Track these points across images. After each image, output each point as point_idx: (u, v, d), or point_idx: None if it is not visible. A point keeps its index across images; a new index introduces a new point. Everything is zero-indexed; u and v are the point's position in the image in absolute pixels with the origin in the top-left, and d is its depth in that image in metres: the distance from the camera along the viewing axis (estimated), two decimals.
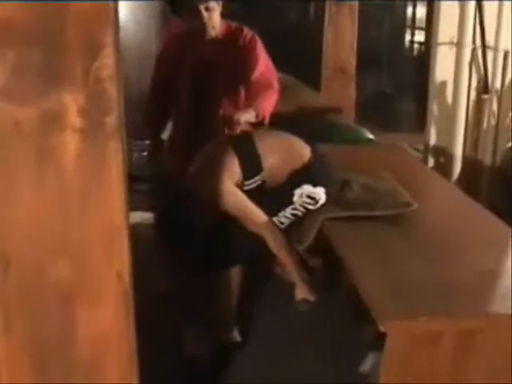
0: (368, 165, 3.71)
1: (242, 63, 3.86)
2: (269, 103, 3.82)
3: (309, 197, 3.00)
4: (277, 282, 3.64)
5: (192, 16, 3.71)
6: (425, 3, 6.93)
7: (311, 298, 2.93)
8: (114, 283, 1.23)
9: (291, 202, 3.03)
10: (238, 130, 3.60)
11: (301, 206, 3.03)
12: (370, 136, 5.62)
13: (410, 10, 9.00)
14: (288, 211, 3.03)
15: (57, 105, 1.12)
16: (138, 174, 4.33)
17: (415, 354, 2.12)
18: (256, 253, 3.17)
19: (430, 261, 2.55)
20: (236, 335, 3.34)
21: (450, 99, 5.46)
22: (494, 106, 5.48)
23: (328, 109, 5.13)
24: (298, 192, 3.01)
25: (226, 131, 3.72)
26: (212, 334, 3.34)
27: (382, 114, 5.52)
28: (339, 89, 5.57)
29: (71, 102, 1.12)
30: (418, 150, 6.10)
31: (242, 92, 3.96)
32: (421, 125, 6.03)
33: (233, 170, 3.00)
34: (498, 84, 5.40)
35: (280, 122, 3.77)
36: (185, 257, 3.20)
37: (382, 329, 2.09)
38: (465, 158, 5.50)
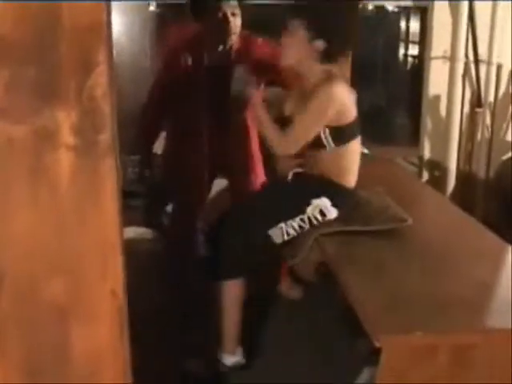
0: (362, 179, 3.71)
1: (265, 66, 3.82)
2: None
3: (321, 212, 2.99)
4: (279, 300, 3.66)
5: (216, 20, 3.66)
6: (418, 17, 6.94)
7: None
8: (109, 300, 1.23)
9: (303, 212, 3.00)
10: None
11: (309, 218, 3.00)
12: (364, 150, 5.63)
13: (403, 24, 9.02)
14: (297, 221, 3.00)
15: (51, 122, 1.12)
16: (132, 190, 4.34)
17: (411, 368, 2.12)
18: (259, 267, 3.15)
19: (425, 275, 2.55)
20: (240, 357, 3.23)
21: (443, 113, 5.47)
22: (488, 120, 5.49)
23: None
24: (314, 202, 3.00)
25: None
26: (213, 357, 3.26)
27: (375, 127, 5.51)
28: None
29: (65, 120, 1.12)
30: (412, 163, 6.11)
31: None
32: (415, 138, 6.03)
33: None
34: (491, 97, 5.42)
35: None
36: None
37: (377, 343, 2.09)
38: (459, 171, 5.50)
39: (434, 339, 2.16)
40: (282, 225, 3.00)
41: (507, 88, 5.50)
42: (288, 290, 3.83)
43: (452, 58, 5.26)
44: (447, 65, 5.32)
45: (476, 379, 2.17)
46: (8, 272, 1.18)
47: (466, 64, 5.37)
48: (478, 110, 5.48)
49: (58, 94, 1.11)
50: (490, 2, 5.18)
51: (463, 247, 2.89)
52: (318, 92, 2.90)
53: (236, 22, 3.68)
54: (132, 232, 4.10)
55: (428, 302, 2.33)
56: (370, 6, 6.00)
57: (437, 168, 5.53)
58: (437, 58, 5.40)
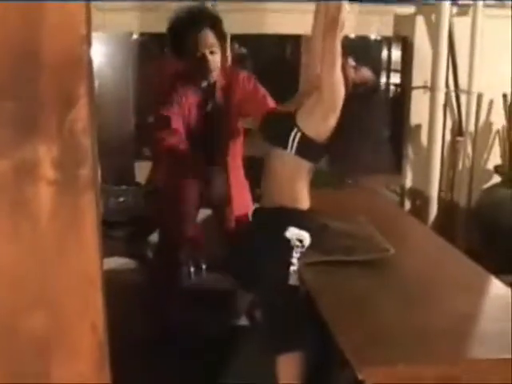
0: (344, 208, 3.73)
1: (252, 104, 3.86)
2: None
3: (298, 240, 2.97)
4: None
5: (195, 59, 3.68)
6: (399, 46, 7.01)
7: None
8: (89, 335, 1.22)
9: (290, 245, 2.94)
10: None
11: (294, 247, 2.98)
12: (346, 179, 5.66)
13: (385, 53, 9.10)
14: (295, 256, 2.97)
15: (31, 156, 1.12)
16: (115, 220, 4.34)
17: None
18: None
19: (407, 306, 2.55)
20: None
21: (425, 142, 5.51)
22: (469, 148, 5.54)
23: None
24: (288, 235, 2.96)
25: None
26: None
27: (358, 156, 5.54)
28: None
29: (45, 154, 1.12)
30: (394, 191, 6.13)
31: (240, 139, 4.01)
32: (397, 167, 6.06)
33: None
34: (472, 126, 5.46)
35: (255, 164, 3.77)
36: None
37: (361, 376, 2.08)
38: (440, 200, 5.53)
39: (417, 371, 2.15)
40: (291, 268, 2.96)
41: (487, 117, 5.56)
42: None
43: (433, 88, 5.31)
44: (428, 94, 5.37)
45: None
46: None
47: (447, 94, 5.42)
48: (459, 138, 5.54)
49: (39, 129, 1.11)
50: (469, 32, 5.24)
51: (445, 277, 2.89)
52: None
53: (215, 60, 3.71)
54: (114, 262, 4.09)
55: (411, 333, 2.33)
56: (352, 35, 6.04)
57: (419, 197, 5.56)
58: (418, 87, 5.45)
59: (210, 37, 3.69)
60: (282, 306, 2.96)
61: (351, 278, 2.83)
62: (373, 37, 6.48)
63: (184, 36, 3.67)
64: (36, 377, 1.23)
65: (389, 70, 9.14)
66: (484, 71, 5.33)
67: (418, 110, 5.50)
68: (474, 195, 5.57)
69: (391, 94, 9.22)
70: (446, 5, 5.14)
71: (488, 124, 5.59)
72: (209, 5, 4.21)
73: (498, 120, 5.51)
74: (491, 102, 5.52)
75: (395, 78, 8.85)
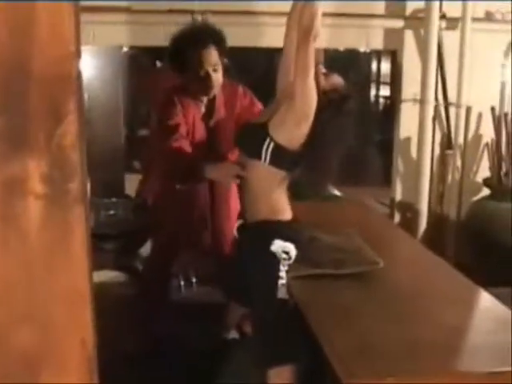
0: (333, 221, 3.73)
1: (249, 117, 3.84)
2: None
3: (284, 252, 2.96)
4: None
5: (198, 76, 3.68)
6: (389, 59, 7.05)
7: None
8: (78, 350, 1.22)
9: (276, 258, 2.94)
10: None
11: (282, 260, 2.98)
12: (335, 191, 5.68)
13: (374, 66, 9.15)
14: (283, 269, 2.97)
15: (20, 171, 1.12)
16: (105, 233, 4.33)
17: None
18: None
19: (396, 319, 2.55)
20: None
21: (414, 154, 5.53)
22: (458, 161, 5.56)
23: None
24: (273, 248, 2.95)
25: None
26: None
27: (347, 168, 5.57)
28: None
29: (34, 169, 1.12)
30: (384, 204, 6.16)
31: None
32: (387, 180, 6.09)
33: None
34: (461, 139, 5.49)
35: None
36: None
37: None
38: (430, 213, 5.55)
39: None
40: (280, 281, 2.96)
41: (476, 130, 5.58)
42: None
43: (422, 101, 5.33)
44: (417, 107, 5.39)
45: None
46: None
47: (436, 107, 5.45)
48: (448, 151, 5.56)
49: (28, 143, 1.11)
50: (458, 46, 5.27)
51: (434, 290, 2.90)
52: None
53: (218, 77, 3.71)
54: (104, 275, 4.08)
55: (399, 346, 2.33)
56: (342, 48, 6.08)
57: (408, 209, 5.57)
58: (407, 100, 5.47)
59: (214, 55, 3.69)
60: (272, 320, 2.96)
61: (340, 291, 2.83)
62: (362, 50, 6.52)
63: (188, 53, 3.65)
64: None
65: (378, 83, 9.21)
66: (473, 84, 5.35)
67: (408, 122, 5.52)
68: (463, 208, 5.59)
69: (381, 107, 9.29)
70: (435, 19, 5.16)
71: (477, 137, 5.61)
72: (199, 17, 4.18)
73: (487, 133, 5.53)
74: (480, 115, 5.54)
75: (385, 91, 8.92)
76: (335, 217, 3.91)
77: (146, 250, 4.63)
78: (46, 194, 1.13)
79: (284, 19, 3.13)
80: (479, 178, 5.63)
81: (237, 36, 5.03)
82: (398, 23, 5.36)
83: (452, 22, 5.33)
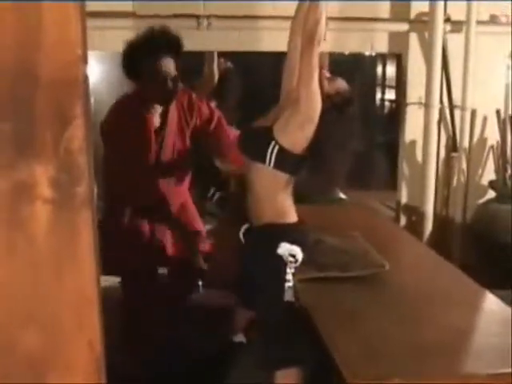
0: (339, 224, 3.74)
1: (207, 125, 3.84)
2: None
3: (291, 255, 2.97)
4: None
5: (155, 85, 3.57)
6: (394, 63, 7.05)
7: None
8: (86, 352, 1.23)
9: (283, 261, 2.94)
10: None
11: (288, 263, 2.98)
12: (341, 195, 5.67)
13: (380, 69, 9.14)
14: (289, 271, 2.98)
15: (28, 176, 1.12)
16: None
17: None
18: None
19: (402, 321, 2.56)
20: None
21: (420, 158, 5.53)
22: (463, 164, 5.55)
23: None
24: (280, 251, 2.97)
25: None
26: None
27: (353, 172, 5.57)
28: None
29: (42, 173, 1.12)
30: (390, 207, 6.16)
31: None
32: (392, 183, 6.09)
33: None
34: (466, 142, 5.49)
35: None
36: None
37: None
38: (436, 216, 5.54)
39: None
40: (286, 284, 2.96)
41: (481, 133, 5.58)
42: None
43: (427, 104, 5.33)
44: (422, 111, 5.39)
45: None
46: None
47: (441, 110, 5.45)
48: (453, 154, 5.56)
49: (35, 148, 1.12)
50: (463, 49, 5.28)
51: (440, 292, 2.90)
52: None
53: (176, 86, 3.62)
54: (109, 280, 4.08)
55: (406, 348, 2.33)
56: (347, 52, 6.08)
57: (414, 212, 5.57)
58: (412, 103, 5.47)
59: (171, 64, 3.59)
60: (279, 322, 2.97)
61: (346, 293, 2.84)
62: (367, 54, 6.52)
63: (144, 61, 3.53)
64: None
65: (383, 87, 9.20)
66: (477, 87, 5.35)
67: (413, 125, 5.52)
68: (468, 211, 5.59)
69: (386, 110, 9.28)
70: (440, 22, 5.17)
71: (482, 140, 5.61)
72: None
73: (492, 135, 5.53)
74: (485, 118, 5.54)
75: (390, 95, 8.92)
76: (341, 220, 3.91)
77: None
78: (54, 199, 1.14)
79: (288, 23, 3.14)
80: (484, 181, 5.62)
81: (241, 40, 5.05)
82: (403, 27, 5.36)
83: (457, 25, 5.34)
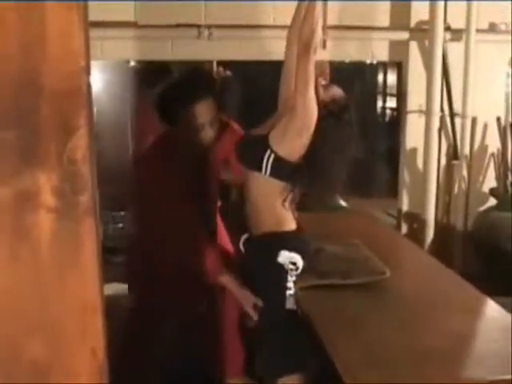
0: (340, 232, 3.74)
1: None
2: None
3: (291, 263, 2.97)
4: None
5: (192, 130, 3.24)
6: (395, 71, 7.06)
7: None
8: (89, 360, 1.23)
9: (284, 269, 2.96)
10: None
11: (289, 271, 2.99)
12: (342, 202, 5.68)
13: (381, 77, 9.15)
14: (291, 279, 2.99)
15: (31, 184, 1.13)
16: (114, 246, 4.34)
17: None
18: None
19: (403, 327, 2.56)
20: None
21: (420, 165, 5.54)
22: (464, 172, 5.57)
23: None
24: (281, 260, 2.97)
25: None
26: None
27: (354, 180, 5.57)
28: None
29: (46, 182, 1.13)
30: (391, 215, 6.16)
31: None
32: (393, 191, 6.09)
33: None
34: (467, 150, 5.50)
35: None
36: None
37: None
38: (437, 223, 5.56)
39: None
40: (287, 292, 2.98)
41: (482, 140, 5.59)
42: None
43: (428, 112, 5.35)
44: (423, 118, 5.40)
45: None
46: None
47: (442, 117, 5.46)
48: (454, 162, 5.57)
49: (39, 157, 1.13)
50: (463, 57, 5.30)
51: (441, 299, 2.90)
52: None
53: (213, 131, 3.29)
54: (113, 288, 4.08)
55: (407, 354, 2.34)
56: (348, 60, 6.09)
57: (415, 220, 5.58)
58: (413, 111, 5.49)
59: (209, 107, 3.25)
60: (280, 330, 2.98)
61: (347, 300, 2.84)
62: (368, 62, 6.53)
63: (179, 107, 3.22)
64: None
65: (384, 95, 9.20)
66: (478, 95, 5.37)
67: (414, 133, 5.54)
68: (469, 218, 5.60)
69: (387, 118, 9.28)
70: (440, 30, 5.19)
71: (483, 147, 5.62)
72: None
73: (493, 143, 5.55)
74: (486, 126, 5.56)
75: (391, 103, 8.92)
76: (342, 228, 3.91)
77: None
78: (57, 207, 1.15)
79: None
80: (485, 188, 5.64)
81: (242, 50, 5.07)
82: (403, 35, 5.38)
83: (456, 34, 5.36)
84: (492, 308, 2.81)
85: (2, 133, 1.11)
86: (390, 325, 2.58)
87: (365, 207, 5.87)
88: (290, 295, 2.94)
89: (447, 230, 5.62)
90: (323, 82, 3.08)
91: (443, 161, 5.61)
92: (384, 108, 9.34)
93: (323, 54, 4.96)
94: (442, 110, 5.44)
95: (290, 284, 2.94)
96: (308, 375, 2.95)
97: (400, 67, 5.79)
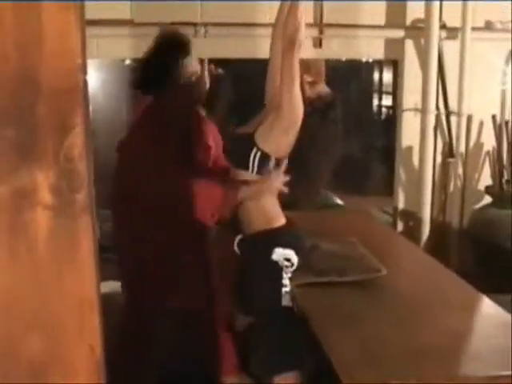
0: (336, 230, 3.75)
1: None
2: None
3: (286, 259, 2.98)
4: None
5: (184, 85, 3.35)
6: (391, 69, 7.07)
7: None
8: (86, 357, 1.24)
9: (279, 266, 2.97)
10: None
11: (284, 268, 2.99)
12: (338, 201, 5.68)
13: (376, 75, 9.17)
14: (286, 276, 2.99)
15: (29, 182, 1.14)
16: (109, 244, 4.33)
17: None
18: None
19: (399, 325, 2.57)
20: None
21: (416, 163, 5.55)
22: (460, 169, 5.58)
23: None
24: (275, 257, 2.97)
25: None
26: None
27: (350, 178, 5.59)
28: None
29: (43, 180, 1.14)
30: (387, 213, 6.17)
31: None
32: (389, 189, 6.11)
33: None
34: (462, 147, 5.51)
35: None
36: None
37: None
38: (433, 221, 5.56)
39: None
40: (283, 289, 2.99)
41: (478, 138, 5.61)
42: None
43: (423, 110, 5.35)
44: (419, 117, 5.41)
45: None
46: None
47: (437, 116, 5.47)
48: (450, 160, 5.58)
49: (36, 155, 1.13)
50: (459, 55, 5.30)
51: (437, 297, 2.91)
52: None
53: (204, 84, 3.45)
54: (109, 286, 4.09)
55: (403, 352, 2.34)
56: (344, 58, 6.10)
57: (411, 218, 5.59)
58: (409, 109, 5.50)
59: (195, 60, 3.46)
60: (277, 327, 2.98)
61: (343, 298, 2.84)
62: (364, 60, 6.54)
63: (171, 63, 3.34)
64: None
65: (380, 93, 9.23)
66: (473, 93, 5.38)
67: (409, 131, 5.55)
68: (465, 216, 5.61)
69: (382, 116, 9.31)
70: (435, 29, 5.19)
71: (478, 145, 5.63)
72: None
73: (488, 141, 5.56)
74: (481, 124, 5.57)
75: (386, 101, 8.94)
76: (338, 226, 3.92)
77: None
78: (54, 205, 1.15)
79: None
80: (481, 186, 5.65)
81: (238, 48, 5.07)
82: (399, 33, 5.39)
83: (452, 32, 5.37)
84: (487, 305, 2.81)
85: (0, 131, 1.11)
86: (387, 322, 2.59)
87: (361, 205, 5.89)
88: (286, 292, 2.94)
89: (443, 228, 5.63)
90: (308, 79, 3.09)
91: (439, 159, 5.62)
92: (380, 106, 9.37)
93: (319, 53, 4.97)
94: (437, 108, 5.45)
95: (286, 281, 2.95)
96: (305, 372, 2.96)
97: (396, 65, 5.80)
